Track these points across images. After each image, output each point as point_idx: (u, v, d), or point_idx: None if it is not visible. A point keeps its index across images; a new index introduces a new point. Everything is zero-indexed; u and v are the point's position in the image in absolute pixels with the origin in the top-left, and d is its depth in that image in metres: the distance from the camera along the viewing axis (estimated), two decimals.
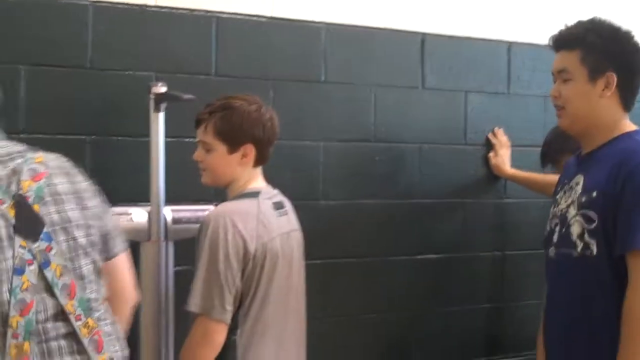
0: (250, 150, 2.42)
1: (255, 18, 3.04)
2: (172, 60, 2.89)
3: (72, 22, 2.74)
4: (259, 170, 2.51)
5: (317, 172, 3.16)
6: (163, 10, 2.88)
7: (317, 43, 3.15)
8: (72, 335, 1.77)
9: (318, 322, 2.88)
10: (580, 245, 2.29)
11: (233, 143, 2.41)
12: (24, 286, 1.72)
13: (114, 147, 2.79)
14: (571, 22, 2.46)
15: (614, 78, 2.31)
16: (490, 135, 3.50)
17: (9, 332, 1.68)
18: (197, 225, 2.55)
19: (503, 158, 3.48)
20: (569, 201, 2.37)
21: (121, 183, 2.72)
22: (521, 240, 3.58)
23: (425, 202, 3.39)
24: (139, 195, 2.66)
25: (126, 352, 1.93)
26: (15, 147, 1.85)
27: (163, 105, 2.58)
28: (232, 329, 2.32)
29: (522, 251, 3.58)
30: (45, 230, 1.77)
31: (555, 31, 2.48)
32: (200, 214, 2.62)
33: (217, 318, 2.26)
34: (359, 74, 3.24)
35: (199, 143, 2.47)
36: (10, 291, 1.70)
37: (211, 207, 2.66)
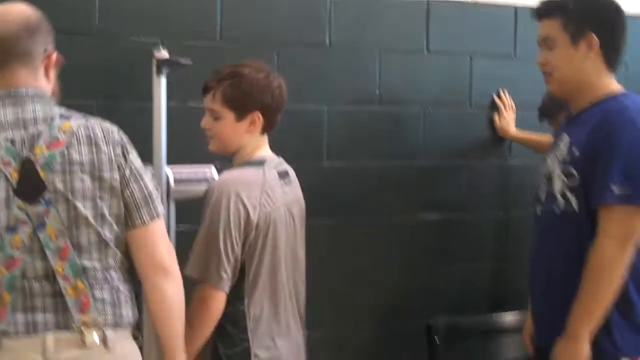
0: (258, 117, 2.43)
1: None
2: (177, 26, 2.98)
3: None
4: (265, 138, 2.53)
5: (322, 135, 3.24)
6: None
7: (322, 8, 3.22)
8: (58, 295, 1.87)
9: (321, 282, 2.95)
10: (562, 202, 2.40)
11: (241, 111, 2.42)
12: (15, 244, 1.85)
13: (120, 111, 2.86)
14: None
15: (595, 40, 2.39)
16: (495, 98, 3.55)
17: None
18: (198, 185, 2.68)
19: (508, 120, 3.53)
20: (555, 160, 2.47)
21: None
22: (526, 201, 3.61)
23: (430, 164, 3.46)
24: (143, 157, 2.75)
25: (127, 319, 1.97)
26: (50, 112, 1.94)
27: (165, 70, 2.66)
28: (240, 299, 2.37)
29: (526, 212, 3.63)
30: (46, 195, 1.87)
31: None
32: (200, 174, 2.72)
33: (214, 285, 2.30)
34: (363, 38, 3.30)
35: (207, 110, 2.48)
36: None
37: (211, 168, 2.78)
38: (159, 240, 2.04)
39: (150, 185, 2.04)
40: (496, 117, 3.55)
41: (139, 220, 1.99)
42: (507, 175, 3.61)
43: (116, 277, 1.97)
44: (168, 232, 2.65)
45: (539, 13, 2.52)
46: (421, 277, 3.46)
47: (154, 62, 2.64)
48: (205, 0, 3.02)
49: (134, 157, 2.03)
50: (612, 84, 2.47)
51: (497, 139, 3.57)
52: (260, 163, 2.45)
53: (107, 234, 1.95)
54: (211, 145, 2.51)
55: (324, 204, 3.13)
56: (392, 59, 3.35)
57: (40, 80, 1.99)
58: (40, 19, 2.02)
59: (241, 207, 2.32)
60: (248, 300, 2.38)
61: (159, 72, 2.64)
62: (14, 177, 1.86)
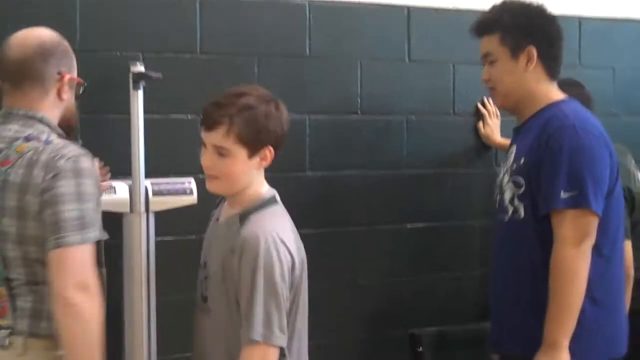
0: (270, 152, 2.24)
1: None
2: (157, 40, 3.01)
3: (60, 5, 2.88)
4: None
5: (304, 144, 3.26)
6: None
7: (302, 18, 3.24)
8: None
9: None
10: (510, 210, 2.46)
11: (256, 147, 2.21)
12: None
13: (101, 125, 2.92)
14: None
15: (533, 51, 2.48)
16: (479, 105, 3.57)
17: None
18: (177, 198, 2.72)
19: (492, 127, 3.55)
20: (504, 170, 2.56)
21: (106, 158, 2.84)
22: None
23: (414, 173, 3.48)
24: (123, 169, 2.79)
25: (46, 331, 2.00)
26: (21, 133, 2.07)
27: (141, 84, 2.70)
28: (283, 356, 2.19)
29: None
30: None
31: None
32: (179, 186, 2.76)
33: (277, 344, 2.12)
34: (344, 48, 3.33)
35: (210, 147, 2.23)
36: None
37: (191, 180, 2.82)
38: (59, 268, 1.97)
39: (69, 214, 1.98)
40: (480, 125, 3.56)
41: (49, 244, 1.98)
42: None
43: (43, 290, 2.01)
44: (147, 243, 2.71)
45: (478, 30, 2.62)
46: (407, 285, 3.47)
47: (130, 76, 2.68)
48: (184, 14, 3.05)
49: (66, 183, 2.00)
50: (554, 93, 2.55)
51: (482, 146, 3.59)
52: (275, 200, 2.31)
53: (32, 253, 2.01)
54: (213, 185, 2.26)
55: (307, 214, 3.14)
56: (373, 68, 3.38)
57: (46, 101, 2.13)
58: (57, 43, 2.18)
59: (288, 256, 2.16)
60: (289, 354, 2.22)
61: (135, 86, 2.68)
62: None
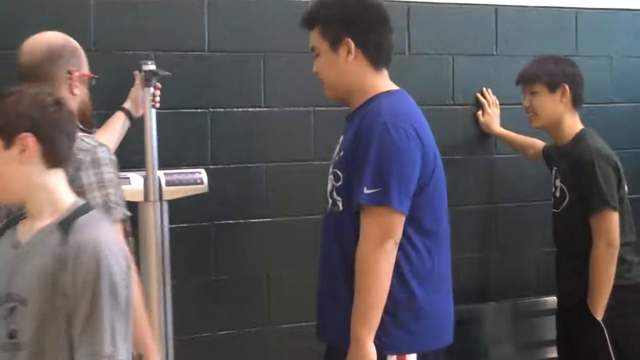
0: (32, 141, 1.90)
1: None
2: (168, 39, 3.18)
3: (75, 7, 3.06)
4: None
5: (310, 135, 3.42)
6: None
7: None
8: None
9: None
10: (330, 202, 2.45)
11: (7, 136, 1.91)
12: None
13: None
14: None
15: (351, 43, 2.39)
16: (479, 95, 3.72)
17: None
18: (188, 187, 2.92)
19: (492, 116, 3.70)
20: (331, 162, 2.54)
21: (122, 151, 3.02)
22: (513, 193, 3.79)
23: None
24: (138, 161, 2.96)
25: None
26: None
27: (153, 81, 2.88)
28: None
29: (513, 204, 3.80)
30: None
31: None
32: (190, 176, 2.94)
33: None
34: None
35: None
36: None
37: (202, 171, 3.01)
38: None
39: (94, 201, 2.20)
40: (480, 114, 3.71)
41: None
42: (493, 168, 3.77)
43: None
44: (161, 230, 2.90)
45: (304, 25, 2.53)
46: None
47: (142, 74, 2.86)
48: (193, 15, 3.22)
49: (86, 174, 2.24)
50: (380, 83, 2.46)
51: (482, 134, 3.73)
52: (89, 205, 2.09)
53: None
54: None
55: (314, 201, 3.30)
56: None
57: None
58: (63, 44, 2.42)
59: (124, 261, 1.97)
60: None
61: (147, 83, 2.86)
62: None
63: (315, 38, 2.47)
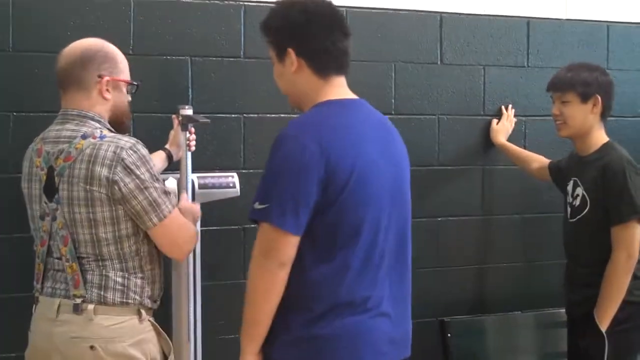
0: None
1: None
2: (204, 45, 3.25)
3: (115, 14, 3.14)
4: None
5: None
6: (196, 1, 3.24)
7: None
8: (63, 271, 2.44)
9: None
10: None
11: None
12: (44, 229, 2.47)
13: (155, 123, 3.18)
14: None
15: (291, 52, 2.33)
16: (503, 107, 3.76)
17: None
18: (221, 190, 2.98)
19: (502, 128, 3.73)
20: None
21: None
22: (542, 203, 3.82)
23: (445, 169, 3.69)
24: (173, 164, 3.03)
25: (111, 300, 2.39)
26: (77, 132, 2.42)
27: (188, 125, 2.94)
28: None
29: (543, 214, 3.84)
30: (57, 196, 2.41)
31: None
32: (223, 180, 3.01)
33: None
34: (379, 52, 3.54)
35: None
36: (36, 230, 2.50)
37: (234, 175, 3.07)
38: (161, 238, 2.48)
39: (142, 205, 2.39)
40: (494, 121, 3.75)
41: (149, 223, 2.42)
42: (522, 179, 3.79)
43: (110, 266, 2.42)
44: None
45: (265, 38, 2.48)
46: (438, 275, 3.69)
47: (179, 118, 2.94)
48: (230, 22, 3.30)
49: (129, 180, 2.37)
50: (324, 93, 2.35)
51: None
52: None
53: (102, 234, 2.39)
54: None
55: None
56: (407, 71, 3.60)
57: (92, 101, 2.48)
58: (96, 50, 2.51)
59: None
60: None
61: (183, 127, 2.93)
62: (43, 179, 2.44)
63: (269, 49, 2.43)
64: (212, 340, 3.19)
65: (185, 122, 2.94)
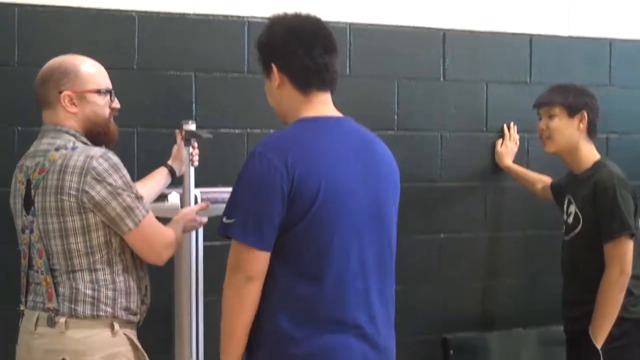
0: None
1: None
2: (208, 61, 3.27)
3: (119, 29, 3.17)
4: None
5: None
6: (200, 17, 3.26)
7: (342, 39, 3.46)
8: (40, 284, 2.46)
9: None
10: None
11: None
12: (24, 242, 2.51)
13: (159, 138, 3.19)
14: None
15: (273, 68, 2.36)
16: (505, 127, 3.76)
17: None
18: (223, 205, 2.96)
19: (507, 150, 3.74)
20: None
21: None
22: (548, 220, 3.81)
23: (447, 185, 3.70)
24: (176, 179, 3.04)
25: (82, 312, 2.39)
26: (52, 144, 2.45)
27: (191, 141, 2.98)
28: None
29: (549, 231, 3.81)
30: (32, 209, 2.44)
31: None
32: (225, 195, 3.00)
33: None
34: (382, 68, 3.56)
35: None
36: (20, 243, 2.53)
37: None
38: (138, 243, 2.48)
39: (114, 212, 2.40)
40: (498, 143, 3.76)
41: (125, 228, 2.42)
42: (524, 196, 3.79)
43: (80, 278, 2.42)
44: (196, 246, 2.98)
45: None
46: (441, 291, 3.70)
47: (182, 133, 2.96)
48: (234, 37, 3.32)
49: (100, 188, 2.37)
50: (304, 109, 2.36)
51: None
52: None
53: (72, 244, 2.41)
54: None
55: None
56: (409, 87, 3.61)
57: (60, 117, 2.50)
58: (55, 67, 2.52)
59: None
60: None
61: (187, 142, 2.96)
62: (23, 193, 2.48)
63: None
64: (215, 356, 3.17)
65: (188, 137, 2.96)
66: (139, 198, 2.45)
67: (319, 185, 2.20)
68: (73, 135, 2.48)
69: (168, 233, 2.56)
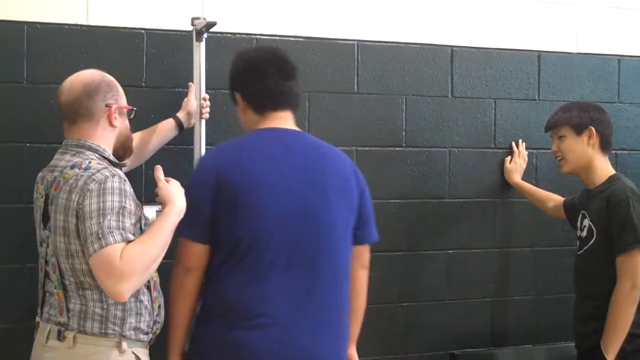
0: None
1: (293, 39, 3.43)
2: (216, 78, 3.25)
3: (128, 46, 3.20)
4: None
5: None
6: (209, 34, 3.25)
7: (350, 57, 3.51)
8: (54, 296, 2.47)
9: None
10: None
11: None
12: (42, 255, 2.53)
13: (167, 156, 3.17)
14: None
15: (237, 96, 2.71)
16: (513, 144, 3.77)
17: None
18: None
19: (516, 167, 3.74)
20: None
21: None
22: (554, 236, 3.81)
23: (455, 202, 3.69)
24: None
25: (90, 329, 2.40)
26: (70, 162, 2.46)
27: (203, 36, 3.08)
28: None
29: (556, 247, 3.83)
30: (49, 224, 2.47)
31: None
32: None
33: None
34: (390, 85, 3.57)
35: None
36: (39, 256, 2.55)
37: None
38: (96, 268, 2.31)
39: (90, 229, 2.30)
40: (507, 160, 3.76)
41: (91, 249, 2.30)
42: (533, 212, 3.79)
43: (90, 296, 2.42)
44: None
45: None
46: (448, 308, 3.69)
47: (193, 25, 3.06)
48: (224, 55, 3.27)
49: (89, 202, 2.33)
50: (261, 124, 2.64)
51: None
52: None
53: (77, 265, 2.40)
54: None
55: None
56: (417, 104, 3.62)
57: (99, 130, 2.54)
58: (99, 80, 2.55)
59: None
60: None
61: (198, 38, 3.08)
62: (42, 206, 2.50)
63: None
64: None
65: (200, 33, 3.05)
66: (125, 229, 2.32)
67: (245, 184, 2.47)
68: (95, 151, 2.49)
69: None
